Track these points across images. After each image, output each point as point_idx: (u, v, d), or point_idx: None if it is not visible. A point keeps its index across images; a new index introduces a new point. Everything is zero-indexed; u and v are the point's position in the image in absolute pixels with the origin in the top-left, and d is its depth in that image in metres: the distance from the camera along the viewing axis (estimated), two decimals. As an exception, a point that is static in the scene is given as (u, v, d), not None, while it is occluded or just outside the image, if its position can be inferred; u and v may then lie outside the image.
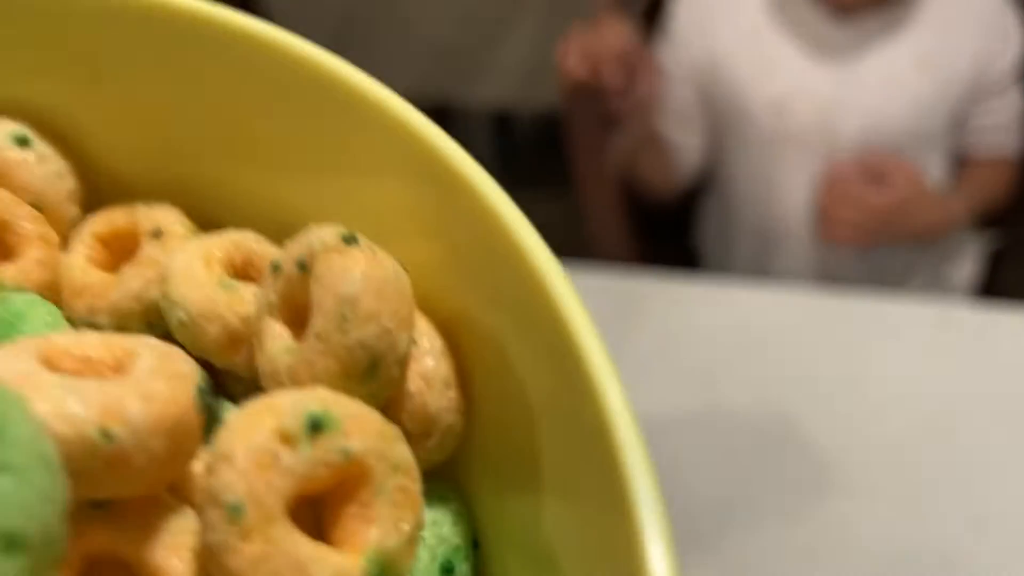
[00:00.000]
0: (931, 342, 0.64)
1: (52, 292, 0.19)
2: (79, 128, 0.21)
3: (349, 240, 0.16)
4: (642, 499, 0.13)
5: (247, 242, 0.19)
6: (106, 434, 0.13)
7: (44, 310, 0.18)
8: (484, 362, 0.17)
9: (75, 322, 0.19)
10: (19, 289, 0.18)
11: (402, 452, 0.15)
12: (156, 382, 0.14)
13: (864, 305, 0.69)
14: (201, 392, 0.15)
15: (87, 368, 0.15)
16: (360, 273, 0.16)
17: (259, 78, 0.19)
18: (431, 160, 0.17)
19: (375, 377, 0.16)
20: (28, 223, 0.19)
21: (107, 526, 0.15)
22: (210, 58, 0.19)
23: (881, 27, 0.88)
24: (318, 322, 0.16)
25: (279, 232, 0.19)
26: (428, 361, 0.17)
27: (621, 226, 1.12)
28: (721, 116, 0.98)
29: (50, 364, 0.14)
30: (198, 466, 0.15)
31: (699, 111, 1.00)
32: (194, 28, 0.19)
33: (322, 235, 0.16)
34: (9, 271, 0.18)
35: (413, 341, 0.17)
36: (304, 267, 0.16)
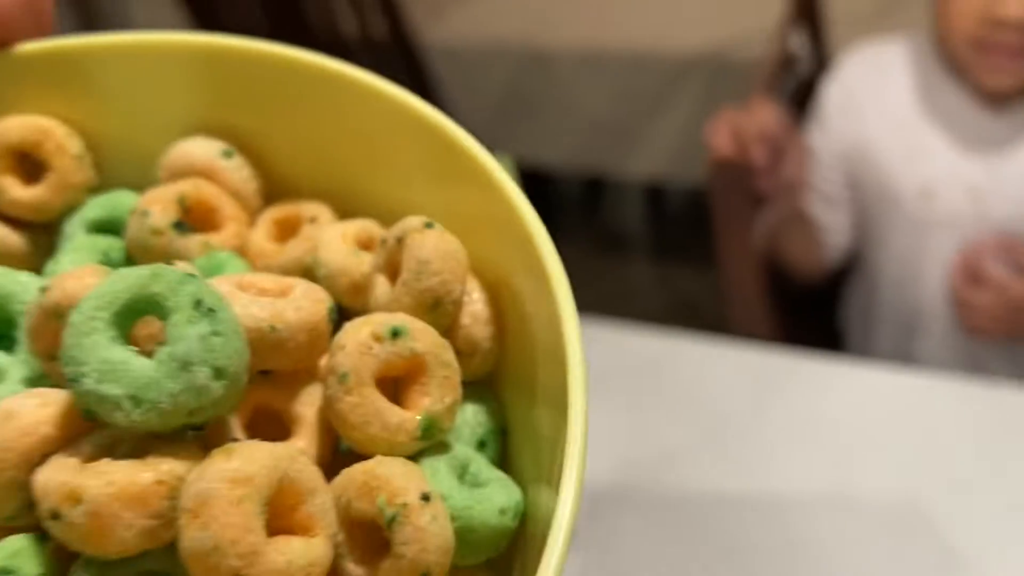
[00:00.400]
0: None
1: (241, 254, 0.29)
2: (265, 147, 0.31)
3: (428, 225, 0.25)
4: (575, 406, 0.21)
5: (369, 226, 0.28)
6: (273, 328, 0.23)
7: (238, 262, 0.27)
8: (512, 310, 0.26)
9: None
10: (222, 249, 0.28)
11: (449, 355, 0.24)
12: (304, 301, 0.24)
13: (1009, 397, 0.67)
14: (330, 311, 0.24)
15: (263, 293, 0.24)
16: (432, 245, 0.25)
17: (382, 120, 0.28)
18: (485, 178, 0.26)
19: (437, 311, 0.25)
20: (229, 209, 0.29)
21: (268, 387, 0.24)
22: (351, 105, 0.29)
23: None
24: (404, 275, 0.25)
25: (390, 220, 0.28)
26: (476, 306, 0.26)
27: (762, 303, 1.12)
28: (868, 198, 0.98)
29: (242, 288, 0.24)
30: (323, 360, 0.25)
31: (847, 193, 1.00)
32: (343, 84, 0.28)
33: (412, 221, 0.25)
34: (216, 238, 0.28)
35: (466, 292, 0.26)
36: (400, 241, 0.25)
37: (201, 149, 0.30)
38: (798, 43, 1.16)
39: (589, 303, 0.61)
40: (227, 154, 0.30)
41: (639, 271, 2.44)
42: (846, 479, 0.62)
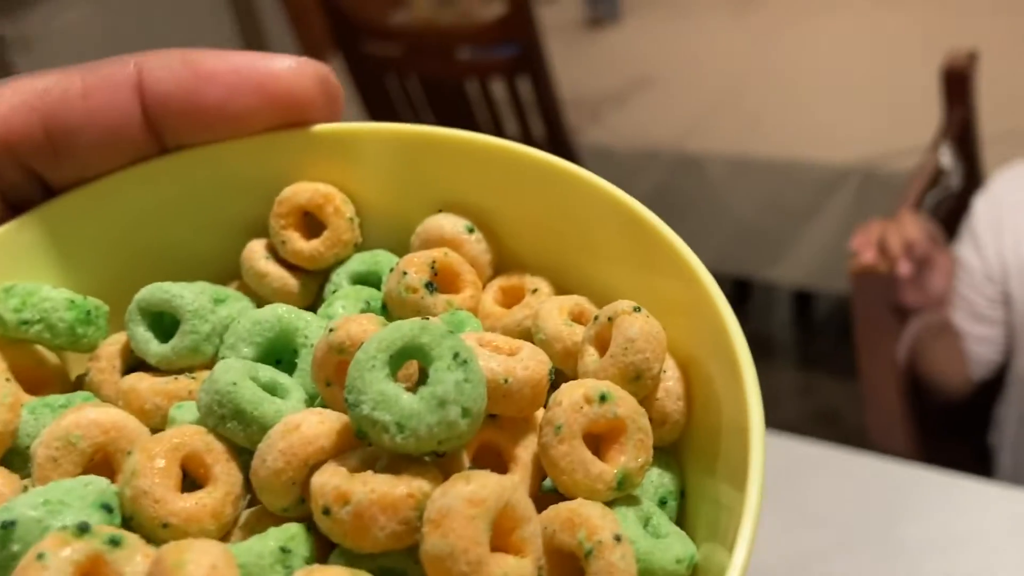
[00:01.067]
0: None
1: (473, 314, 0.34)
2: (499, 225, 0.36)
3: (636, 309, 0.30)
4: (751, 491, 0.25)
5: (582, 302, 0.33)
6: (506, 381, 0.28)
7: (475, 322, 0.33)
8: (701, 389, 0.30)
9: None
10: (461, 309, 0.33)
11: (644, 422, 0.28)
12: (530, 361, 0.29)
13: None
14: (550, 372, 0.29)
15: (497, 351, 0.29)
16: (638, 327, 0.29)
17: (596, 211, 0.33)
18: (685, 270, 0.30)
19: (637, 383, 0.29)
20: (468, 275, 0.35)
21: (494, 429, 0.29)
22: (571, 196, 0.33)
23: None
24: (612, 349, 0.30)
25: (598, 298, 0.33)
26: (670, 383, 0.30)
27: (902, 414, 1.11)
28: (1020, 315, 0.98)
29: (481, 345, 0.29)
30: (539, 412, 0.30)
31: (998, 308, 1.00)
32: (565, 178, 0.33)
33: (623, 304, 0.30)
34: (457, 299, 0.34)
35: (663, 369, 0.30)
36: (611, 319, 0.30)
37: (450, 223, 0.35)
38: (949, 159, 1.15)
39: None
40: (470, 229, 0.35)
41: (783, 377, 2.44)
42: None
